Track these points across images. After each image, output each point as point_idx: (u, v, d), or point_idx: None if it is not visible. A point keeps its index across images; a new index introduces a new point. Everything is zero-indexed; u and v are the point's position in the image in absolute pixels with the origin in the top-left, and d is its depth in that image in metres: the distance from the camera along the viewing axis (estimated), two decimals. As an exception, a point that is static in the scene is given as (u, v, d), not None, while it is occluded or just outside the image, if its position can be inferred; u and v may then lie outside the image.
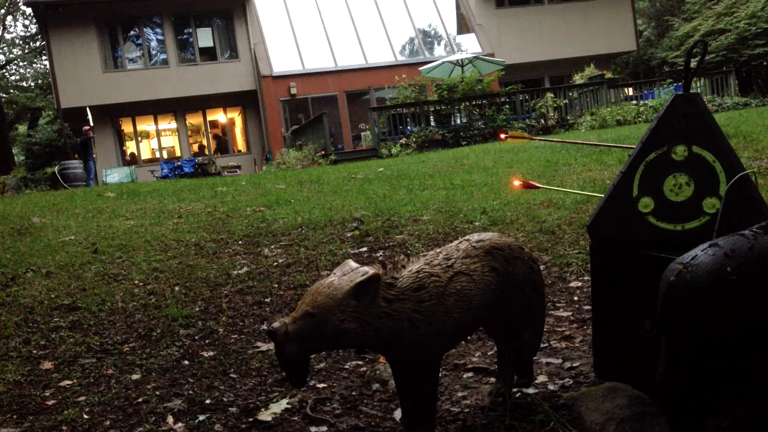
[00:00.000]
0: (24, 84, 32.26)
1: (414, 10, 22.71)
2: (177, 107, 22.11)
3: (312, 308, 1.95)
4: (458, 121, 16.18)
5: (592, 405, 2.27)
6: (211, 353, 3.28)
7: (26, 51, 31.89)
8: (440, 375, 2.55)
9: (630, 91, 17.79)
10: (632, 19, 24.05)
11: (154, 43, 22.27)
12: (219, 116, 23.64)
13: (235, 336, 3.51)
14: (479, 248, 2.26)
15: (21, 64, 32.30)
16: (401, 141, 15.32)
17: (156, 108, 21.92)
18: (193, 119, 23.33)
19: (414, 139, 15.24)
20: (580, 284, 3.84)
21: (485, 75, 17.50)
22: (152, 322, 3.71)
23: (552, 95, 16.58)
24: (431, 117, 16.38)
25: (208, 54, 22.20)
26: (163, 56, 21.96)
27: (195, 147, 23.53)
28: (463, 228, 5.07)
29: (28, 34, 32.13)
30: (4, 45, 31.49)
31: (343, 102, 21.37)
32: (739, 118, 9.83)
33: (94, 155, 17.90)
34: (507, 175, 7.37)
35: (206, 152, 22.96)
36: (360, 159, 14.72)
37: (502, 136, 3.64)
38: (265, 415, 2.58)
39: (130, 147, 22.92)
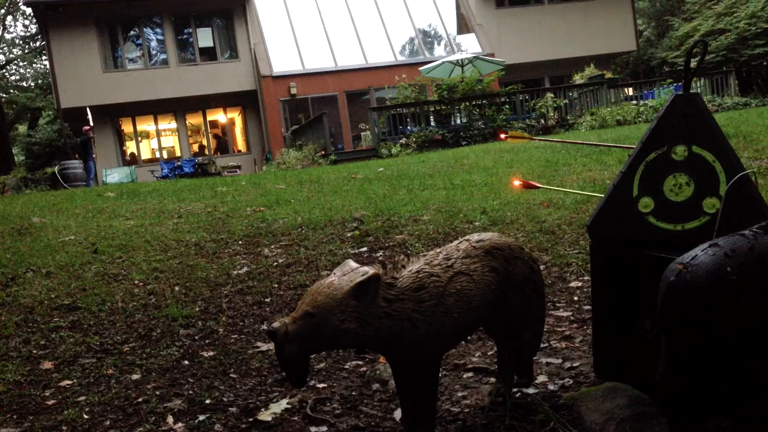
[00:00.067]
0: (24, 84, 32.27)
1: (414, 10, 22.71)
2: (177, 107, 22.11)
3: (312, 308, 1.95)
4: (458, 121, 16.18)
5: (592, 405, 2.27)
6: (211, 353, 3.29)
7: (26, 51, 31.90)
8: (440, 375, 2.55)
9: (630, 91, 17.79)
10: (632, 19, 24.05)
11: (154, 43, 22.27)
12: (219, 116, 23.65)
13: (235, 336, 3.51)
14: (479, 248, 2.26)
15: (21, 64, 32.31)
16: (401, 141, 15.32)
17: (156, 108, 21.92)
18: (193, 119, 23.33)
19: (414, 139, 15.24)
20: (580, 284, 3.84)
21: (485, 75, 17.50)
22: (152, 322, 3.72)
23: (552, 95, 16.57)
24: (431, 117, 16.38)
25: (208, 54, 22.20)
26: (163, 56, 21.96)
27: (195, 147, 23.53)
28: (463, 228, 5.07)
29: (28, 34, 32.15)
30: (4, 45, 31.50)
31: (343, 102, 21.37)
32: (739, 118, 9.83)
33: (94, 155, 17.90)
34: (507, 175, 7.37)
35: (206, 152, 22.96)
36: (360, 159, 14.72)
37: (502, 136, 3.64)
38: (265, 415, 2.58)
39: (130, 147, 22.93)
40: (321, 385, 2.86)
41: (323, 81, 21.09)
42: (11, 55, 31.81)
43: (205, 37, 22.20)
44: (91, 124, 17.83)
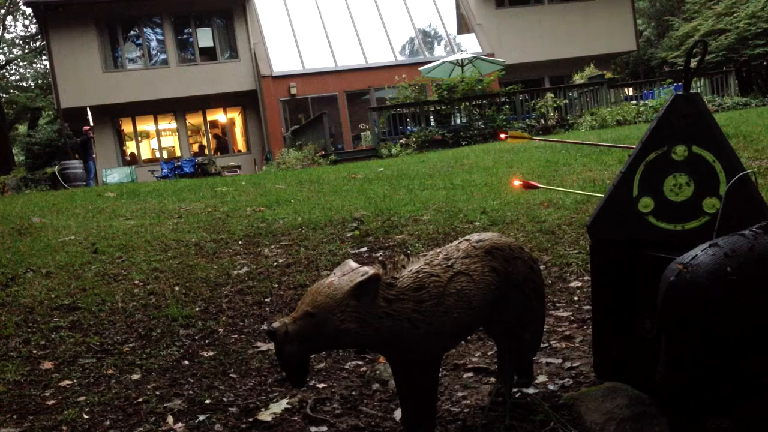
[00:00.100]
0: (24, 84, 32.27)
1: (414, 10, 22.71)
2: (177, 107, 22.11)
3: (312, 308, 1.95)
4: (458, 121, 16.18)
5: (592, 405, 2.27)
6: (211, 353, 3.29)
7: (26, 51, 31.90)
8: (440, 375, 2.55)
9: (630, 91, 17.79)
10: (632, 19, 24.05)
11: (154, 43, 22.27)
12: (219, 116, 23.65)
13: (235, 336, 3.51)
14: (479, 248, 2.26)
15: (21, 64, 32.31)
16: (401, 141, 15.32)
17: (156, 108, 21.92)
18: (193, 119, 23.33)
19: (414, 139, 15.24)
20: (580, 284, 3.84)
21: (485, 75, 17.50)
22: (152, 322, 3.72)
23: (552, 95, 16.57)
24: (431, 117, 16.38)
25: (208, 54, 22.21)
26: (163, 56, 21.97)
27: (195, 147, 23.53)
28: (463, 228, 5.07)
29: (28, 34, 32.15)
30: (4, 45, 31.50)
31: (343, 102, 21.38)
32: (739, 118, 9.83)
33: (94, 155, 17.90)
34: (507, 175, 7.37)
35: (206, 152, 22.96)
36: (360, 159, 14.72)
37: (502, 136, 3.64)
38: (265, 415, 2.58)
39: (130, 147, 22.93)
40: (321, 385, 2.86)
41: (323, 81, 21.09)
42: (11, 55, 31.82)
43: (205, 37, 22.20)
44: (91, 124, 17.83)
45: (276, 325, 1.93)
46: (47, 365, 3.21)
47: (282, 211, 6.39)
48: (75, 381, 3.04)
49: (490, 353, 3.02)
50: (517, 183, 3.26)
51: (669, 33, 27.06)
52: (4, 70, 31.14)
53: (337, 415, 2.56)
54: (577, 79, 19.52)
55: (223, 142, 23.64)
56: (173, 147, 23.32)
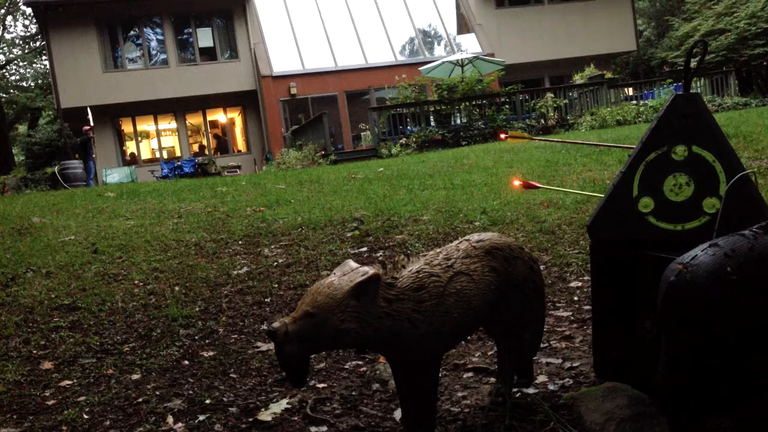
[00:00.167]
0: (24, 84, 32.27)
1: (414, 10, 22.71)
2: (177, 107, 22.11)
3: (312, 308, 1.95)
4: (458, 121, 16.18)
5: (592, 405, 2.27)
6: (211, 353, 3.29)
7: (26, 51, 31.90)
8: (440, 375, 2.55)
9: (630, 91, 17.79)
10: (632, 19, 24.05)
11: (154, 43, 22.27)
12: (219, 116, 23.65)
13: (235, 336, 3.51)
14: (479, 248, 2.26)
15: (21, 64, 32.31)
16: (401, 141, 15.32)
17: (156, 108, 21.92)
18: (193, 119, 23.33)
19: (414, 139, 15.24)
20: (580, 284, 3.84)
21: (485, 75, 17.50)
22: (152, 322, 3.72)
23: (552, 95, 16.57)
24: (431, 117, 16.38)
25: (208, 54, 22.20)
26: (163, 56, 21.97)
27: (195, 147, 23.53)
28: (463, 228, 5.07)
29: (28, 34, 32.15)
30: (4, 45, 31.50)
31: (343, 102, 21.38)
32: (739, 118, 9.83)
33: (94, 155, 17.90)
34: (507, 175, 7.37)
35: (206, 152, 22.97)
36: (360, 159, 14.72)
37: (502, 136, 3.64)
38: (265, 415, 2.58)
39: (130, 147, 22.93)
40: (321, 385, 2.86)
41: (323, 81, 21.09)
42: (11, 55, 31.81)
43: (205, 37, 22.20)
44: (92, 124, 17.83)
45: (276, 325, 1.93)
46: (47, 365, 3.21)
47: (282, 211, 6.39)
48: (75, 381, 3.04)
49: (490, 353, 3.02)
50: (517, 183, 3.26)
51: (669, 33, 27.06)
52: (4, 70, 31.14)
53: (337, 415, 2.56)
54: (577, 79, 19.53)
55: (223, 142, 23.64)
56: (173, 147, 23.32)
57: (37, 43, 30.57)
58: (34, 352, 3.38)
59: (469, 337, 3.03)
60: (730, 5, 22.64)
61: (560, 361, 2.84)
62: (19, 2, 29.19)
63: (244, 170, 20.04)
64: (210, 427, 2.53)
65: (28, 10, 28.29)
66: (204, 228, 5.86)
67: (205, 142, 23.42)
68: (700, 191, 2.28)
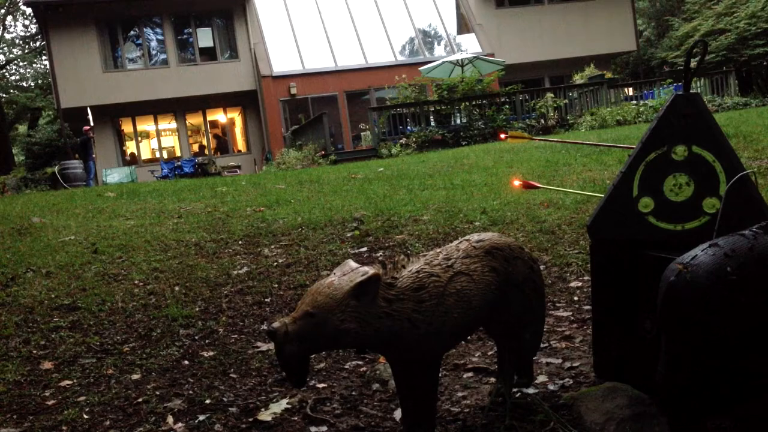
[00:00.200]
0: (24, 84, 32.27)
1: (414, 10, 22.71)
2: (177, 107, 22.11)
3: (312, 308, 1.95)
4: (458, 121, 16.18)
5: (592, 405, 2.27)
6: (211, 353, 3.29)
7: (26, 51, 31.90)
8: (440, 375, 2.55)
9: (630, 91, 17.79)
10: (632, 19, 24.05)
11: (154, 43, 22.27)
12: (219, 116, 23.65)
13: (235, 336, 3.51)
14: (479, 248, 2.26)
15: (21, 64, 32.31)
16: (401, 141, 15.32)
17: (156, 108, 21.92)
18: (193, 119, 23.33)
19: (414, 139, 15.24)
20: (580, 284, 3.84)
21: (485, 75, 17.50)
22: (152, 322, 3.72)
23: (552, 95, 16.58)
24: (431, 117, 16.38)
25: (208, 54, 22.20)
26: (163, 56, 21.97)
27: (195, 147, 23.53)
28: (463, 228, 5.07)
29: (28, 34, 32.15)
30: (4, 45, 31.50)
31: (343, 102, 21.38)
32: (739, 118, 9.83)
33: (94, 155, 17.90)
34: (507, 175, 7.37)
35: (206, 152, 22.97)
36: (360, 159, 14.72)
37: (502, 136, 3.64)
38: (265, 415, 2.58)
39: (130, 147, 22.93)
40: (321, 385, 2.86)
41: (323, 81, 21.09)
42: (11, 55, 31.81)
43: (205, 37, 22.20)
44: (92, 124, 17.83)
45: (276, 325, 1.93)
46: (47, 365, 3.21)
47: (282, 211, 6.40)
48: (75, 381, 3.04)
49: (490, 353, 3.02)
50: (517, 183, 3.26)
51: (669, 33, 27.06)
52: (4, 70, 31.14)
53: (337, 415, 2.56)
54: (577, 79, 19.53)
55: (223, 142, 23.64)
56: (173, 147, 23.32)
57: (37, 43, 30.57)
58: (34, 352, 3.38)
59: (469, 337, 3.03)
60: (730, 5, 22.65)
61: (560, 361, 2.84)
62: (19, 2, 29.20)
63: (244, 170, 20.04)
64: (210, 427, 2.53)
65: (28, 10, 28.30)
66: (204, 228, 5.86)
67: (205, 142, 23.42)
68: (700, 191, 2.28)
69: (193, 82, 21.32)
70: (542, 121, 16.19)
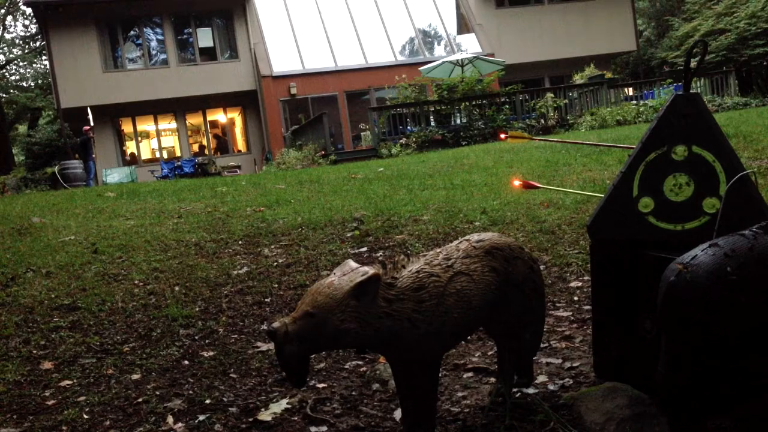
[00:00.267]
0: (24, 84, 32.27)
1: (414, 10, 22.71)
2: (177, 107, 22.11)
3: (312, 308, 1.95)
4: (458, 121, 16.18)
5: (592, 405, 2.27)
6: (211, 353, 3.29)
7: (26, 51, 31.90)
8: (440, 375, 2.55)
9: (630, 91, 17.79)
10: (632, 19, 24.05)
11: (154, 43, 22.27)
12: (219, 116, 23.65)
13: (235, 336, 3.51)
14: (479, 248, 2.26)
15: (21, 64, 32.31)
16: (401, 141, 15.32)
17: (156, 108, 21.92)
18: (193, 119, 23.33)
19: (414, 139, 15.24)
20: (580, 284, 3.84)
21: (485, 75, 17.50)
22: (152, 322, 3.72)
23: (552, 95, 16.58)
24: (431, 117, 16.38)
25: (208, 54, 22.21)
26: (163, 56, 21.97)
27: (195, 147, 23.53)
28: (463, 228, 5.07)
29: (28, 34, 32.15)
30: (4, 45, 31.50)
31: (343, 102, 21.38)
32: (739, 118, 9.83)
33: (94, 155, 17.90)
34: (507, 175, 7.37)
35: (206, 152, 22.97)
36: (360, 159, 14.72)
37: (502, 136, 3.64)
38: (265, 415, 2.58)
39: (130, 147, 22.93)
40: (321, 385, 2.86)
41: (323, 81, 21.09)
42: (11, 55, 31.81)
43: (205, 37, 22.20)
44: (92, 124, 17.83)
45: (276, 325, 1.93)
46: (47, 365, 3.21)
47: (282, 211, 6.40)
48: (75, 381, 3.04)
49: (490, 353, 3.02)
50: (517, 183, 3.26)
51: (669, 33, 27.06)
52: (4, 70, 31.14)
53: (337, 415, 2.56)
54: (577, 79, 19.53)
55: (223, 142, 23.64)
56: (173, 147, 23.32)
57: (37, 43, 30.57)
58: (34, 352, 3.38)
59: (469, 337, 3.03)
60: (730, 5, 22.65)
61: (560, 361, 2.84)
62: (19, 2, 29.20)
63: (244, 170, 20.04)
64: (210, 427, 2.53)
65: (28, 10, 28.30)
66: (204, 228, 5.86)
67: (205, 142, 23.42)
68: (700, 191, 2.28)
69: (193, 82, 21.32)
70: (542, 121, 16.19)
